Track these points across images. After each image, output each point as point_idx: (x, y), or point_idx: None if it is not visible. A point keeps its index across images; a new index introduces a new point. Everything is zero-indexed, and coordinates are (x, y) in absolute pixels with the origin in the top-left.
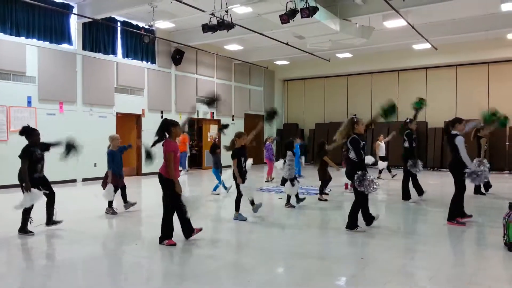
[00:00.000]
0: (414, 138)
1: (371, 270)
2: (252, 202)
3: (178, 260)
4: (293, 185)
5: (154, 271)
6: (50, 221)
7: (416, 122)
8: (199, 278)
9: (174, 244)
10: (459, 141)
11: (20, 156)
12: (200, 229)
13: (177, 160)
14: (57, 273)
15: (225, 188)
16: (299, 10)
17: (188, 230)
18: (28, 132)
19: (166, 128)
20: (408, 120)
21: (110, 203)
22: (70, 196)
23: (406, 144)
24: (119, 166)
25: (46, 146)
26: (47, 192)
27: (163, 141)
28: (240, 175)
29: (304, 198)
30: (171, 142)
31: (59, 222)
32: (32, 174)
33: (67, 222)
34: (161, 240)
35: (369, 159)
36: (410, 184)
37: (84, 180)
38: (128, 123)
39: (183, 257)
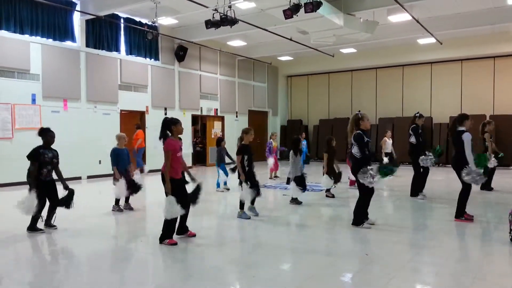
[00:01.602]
0: (420, 134)
1: (376, 266)
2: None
3: (183, 256)
4: (298, 185)
5: (159, 267)
6: (47, 222)
7: (424, 118)
8: (203, 274)
9: (175, 243)
10: (466, 137)
11: (28, 157)
12: (194, 235)
13: (177, 159)
14: (63, 270)
15: (218, 185)
16: (303, 5)
17: (182, 229)
18: (43, 132)
19: (167, 127)
20: (418, 114)
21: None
22: (76, 193)
23: (412, 139)
24: (124, 164)
25: (57, 158)
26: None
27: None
28: (243, 172)
29: (301, 202)
30: (170, 141)
31: (54, 226)
32: (38, 178)
33: (72, 219)
34: (161, 240)
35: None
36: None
37: (89, 177)
38: (132, 120)
39: (187, 253)
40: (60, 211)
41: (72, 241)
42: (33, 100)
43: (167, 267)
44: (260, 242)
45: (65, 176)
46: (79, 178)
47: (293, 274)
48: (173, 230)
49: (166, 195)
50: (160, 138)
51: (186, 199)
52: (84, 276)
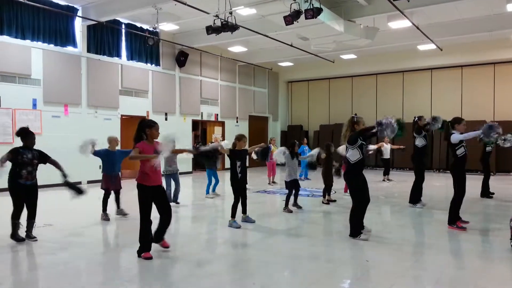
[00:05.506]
0: (424, 136)
1: (376, 273)
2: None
3: (181, 264)
4: (295, 188)
5: (152, 275)
6: (27, 234)
7: (423, 117)
8: (203, 281)
9: (150, 258)
10: (454, 137)
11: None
12: (167, 246)
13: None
14: (48, 278)
15: (208, 191)
16: (303, 11)
17: (159, 237)
18: (23, 133)
19: (142, 130)
20: (417, 118)
21: (104, 208)
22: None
23: (417, 142)
24: (113, 168)
25: (44, 158)
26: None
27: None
28: (232, 177)
29: (301, 207)
30: (142, 143)
31: (34, 238)
32: (16, 179)
33: (67, 225)
34: (139, 254)
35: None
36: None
37: (89, 182)
38: (133, 125)
39: (185, 260)
40: (55, 216)
41: (60, 248)
42: (34, 105)
43: (160, 275)
44: (260, 249)
45: None
46: (79, 183)
47: (293, 281)
48: (149, 242)
49: (144, 206)
50: (134, 141)
51: (166, 207)
52: (70, 285)
